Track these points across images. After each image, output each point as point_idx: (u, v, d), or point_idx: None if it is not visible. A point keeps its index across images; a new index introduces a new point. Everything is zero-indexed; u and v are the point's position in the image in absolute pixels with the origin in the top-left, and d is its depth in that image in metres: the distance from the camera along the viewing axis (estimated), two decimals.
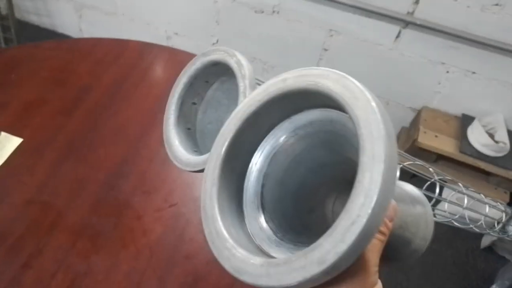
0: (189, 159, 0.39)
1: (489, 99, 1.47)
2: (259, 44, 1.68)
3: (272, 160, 0.32)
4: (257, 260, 0.24)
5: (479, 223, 0.66)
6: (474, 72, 1.41)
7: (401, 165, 0.51)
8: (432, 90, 1.52)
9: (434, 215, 0.42)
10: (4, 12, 1.63)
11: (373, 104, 0.22)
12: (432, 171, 0.56)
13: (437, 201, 0.53)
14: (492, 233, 0.73)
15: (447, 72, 1.44)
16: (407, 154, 0.56)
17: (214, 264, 0.62)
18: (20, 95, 0.85)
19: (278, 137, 0.32)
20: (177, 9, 1.72)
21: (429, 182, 0.53)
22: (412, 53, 1.45)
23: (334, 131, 0.29)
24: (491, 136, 1.40)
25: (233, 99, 0.36)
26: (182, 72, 0.44)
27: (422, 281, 1.37)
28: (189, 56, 0.99)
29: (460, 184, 0.62)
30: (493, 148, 1.38)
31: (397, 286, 1.34)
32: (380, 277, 0.27)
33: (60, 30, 2.10)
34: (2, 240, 0.62)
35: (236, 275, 0.24)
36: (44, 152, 0.75)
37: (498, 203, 0.72)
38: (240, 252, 0.25)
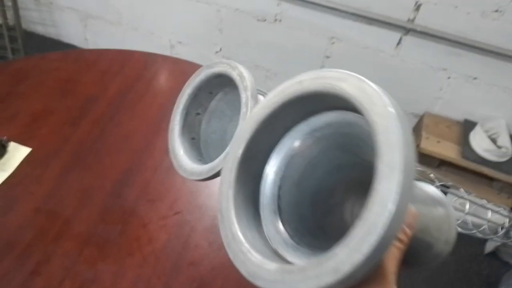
0: (194, 168, 0.40)
1: (490, 105, 1.47)
2: (261, 52, 1.70)
3: (289, 163, 0.32)
4: (272, 265, 0.24)
5: (482, 228, 0.66)
6: (475, 78, 1.42)
7: None
8: (434, 96, 1.53)
9: None
10: (11, 23, 1.65)
11: (391, 109, 0.22)
12: (433, 177, 0.56)
13: None
14: (495, 239, 0.73)
15: (449, 78, 1.45)
16: None
17: (218, 270, 0.63)
18: (28, 106, 0.87)
19: (295, 139, 0.32)
20: (181, 19, 1.75)
21: None
22: (413, 60, 1.46)
23: (351, 133, 0.28)
24: (494, 141, 1.40)
25: (236, 110, 0.38)
26: (186, 83, 0.46)
27: (426, 287, 1.37)
28: (192, 66, 1.01)
29: (462, 190, 0.62)
30: (495, 153, 1.38)
31: None
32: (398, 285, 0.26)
33: (66, 40, 2.13)
34: (11, 248, 0.63)
35: (251, 279, 0.24)
36: (51, 161, 0.77)
37: (501, 208, 0.72)
38: (255, 257, 0.25)
